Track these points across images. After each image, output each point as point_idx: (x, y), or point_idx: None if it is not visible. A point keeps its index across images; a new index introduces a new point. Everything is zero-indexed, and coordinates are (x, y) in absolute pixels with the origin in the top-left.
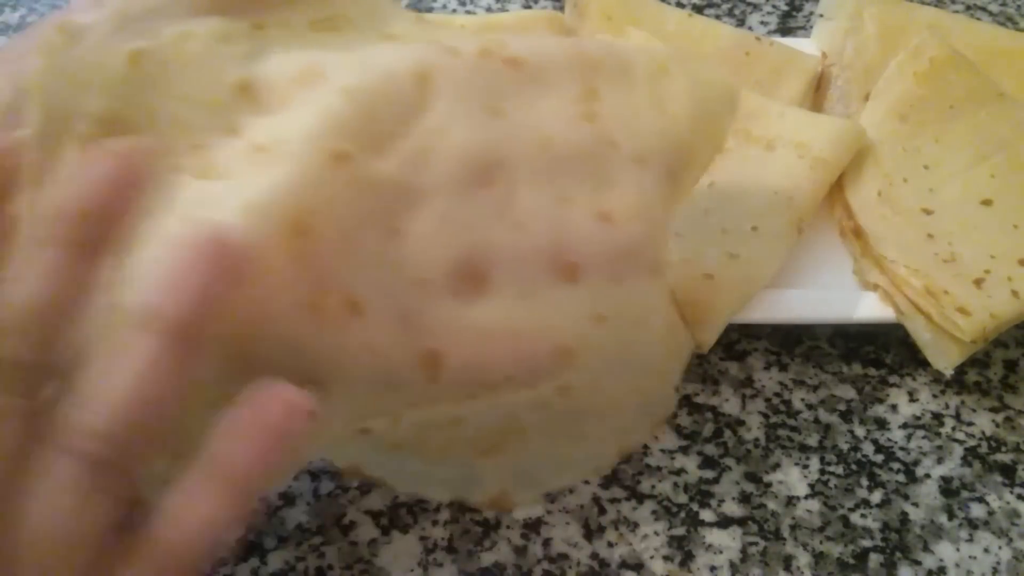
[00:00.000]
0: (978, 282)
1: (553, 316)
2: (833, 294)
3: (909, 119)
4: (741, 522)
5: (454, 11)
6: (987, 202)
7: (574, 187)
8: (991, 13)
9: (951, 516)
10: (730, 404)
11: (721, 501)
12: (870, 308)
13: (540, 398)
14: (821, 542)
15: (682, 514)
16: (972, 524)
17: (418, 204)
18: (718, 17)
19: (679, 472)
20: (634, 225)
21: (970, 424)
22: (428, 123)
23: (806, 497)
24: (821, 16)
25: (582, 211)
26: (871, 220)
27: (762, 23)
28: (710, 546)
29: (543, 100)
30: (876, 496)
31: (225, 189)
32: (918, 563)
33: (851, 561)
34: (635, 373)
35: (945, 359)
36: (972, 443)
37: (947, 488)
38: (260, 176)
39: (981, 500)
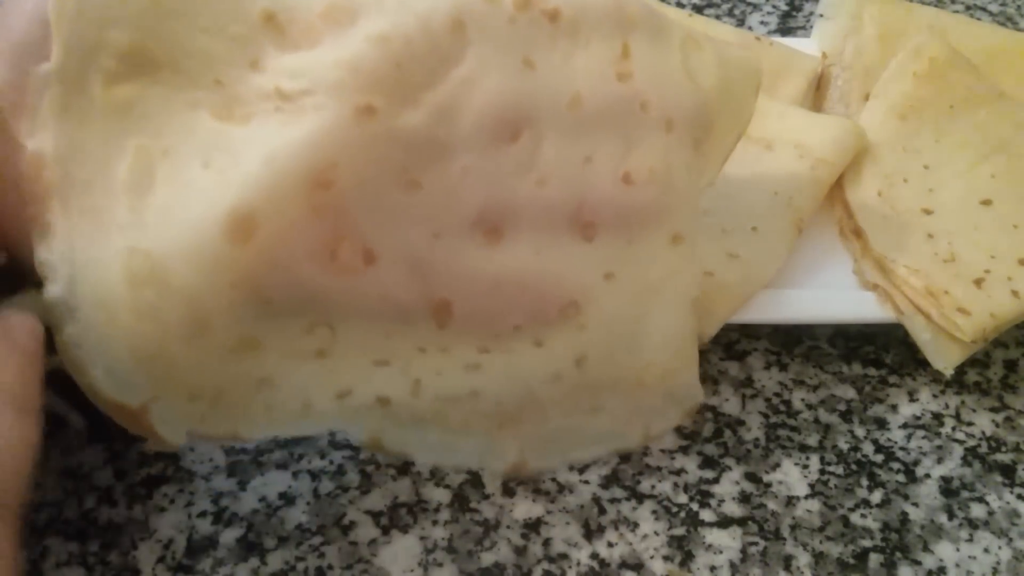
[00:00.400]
0: (978, 282)
1: (563, 270)
2: (833, 294)
3: (909, 119)
4: (741, 522)
5: None
6: (987, 202)
7: (600, 146)
8: (991, 13)
9: (951, 516)
10: (730, 404)
11: (721, 501)
12: (870, 308)
13: (556, 370)
14: (821, 542)
15: (682, 514)
16: (972, 524)
17: (442, 158)
18: (718, 17)
19: (679, 472)
20: (651, 188)
21: (970, 424)
22: (459, 74)
23: (806, 497)
24: (821, 16)
25: (605, 171)
26: (871, 220)
27: (762, 23)
28: (710, 546)
29: (577, 55)
30: (876, 496)
31: (247, 137)
32: (918, 563)
33: (851, 561)
34: (651, 346)
35: (945, 359)
36: (972, 443)
37: (947, 488)
38: (285, 128)
39: (981, 500)
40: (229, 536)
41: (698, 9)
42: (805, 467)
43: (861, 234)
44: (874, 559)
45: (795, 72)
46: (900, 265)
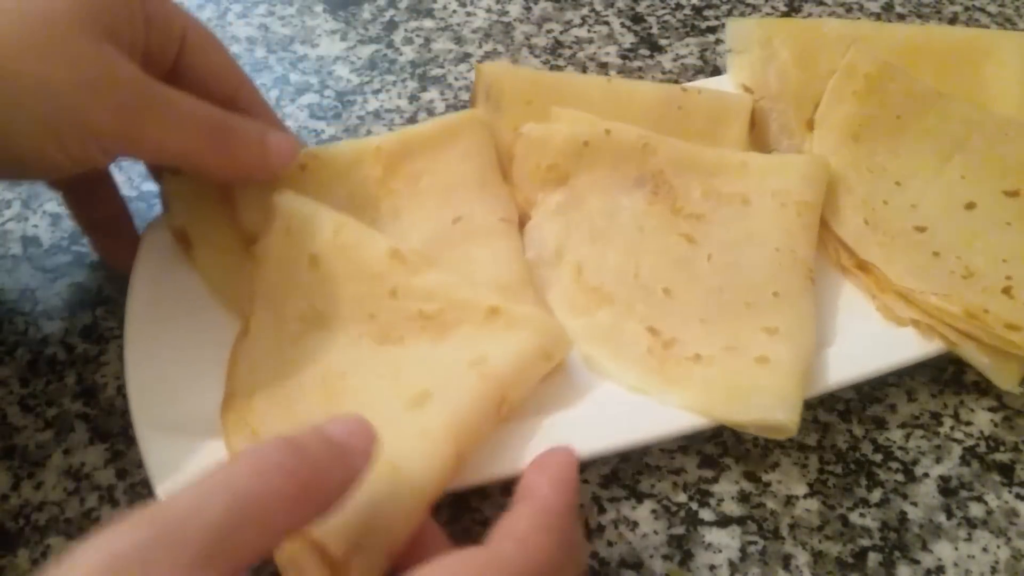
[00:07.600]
0: (1006, 291)
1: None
2: (878, 339)
3: (862, 139)
4: (740, 521)
5: (454, 12)
6: (970, 205)
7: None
8: (990, 14)
9: (950, 515)
10: None
11: (720, 500)
12: (921, 343)
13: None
14: (820, 541)
15: (681, 513)
16: (970, 523)
17: None
18: (717, 18)
19: (679, 471)
20: None
21: (969, 423)
22: None
23: (805, 496)
24: (730, 51)
25: None
26: (869, 251)
27: None
28: (709, 545)
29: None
30: (875, 495)
31: (406, 355)
32: (917, 562)
33: (850, 560)
34: None
35: (1008, 378)
36: (971, 442)
37: (946, 487)
38: (437, 344)
39: (979, 499)
40: None
41: (698, 10)
42: (804, 466)
43: (867, 268)
44: (873, 558)
45: (732, 115)
46: (929, 295)
